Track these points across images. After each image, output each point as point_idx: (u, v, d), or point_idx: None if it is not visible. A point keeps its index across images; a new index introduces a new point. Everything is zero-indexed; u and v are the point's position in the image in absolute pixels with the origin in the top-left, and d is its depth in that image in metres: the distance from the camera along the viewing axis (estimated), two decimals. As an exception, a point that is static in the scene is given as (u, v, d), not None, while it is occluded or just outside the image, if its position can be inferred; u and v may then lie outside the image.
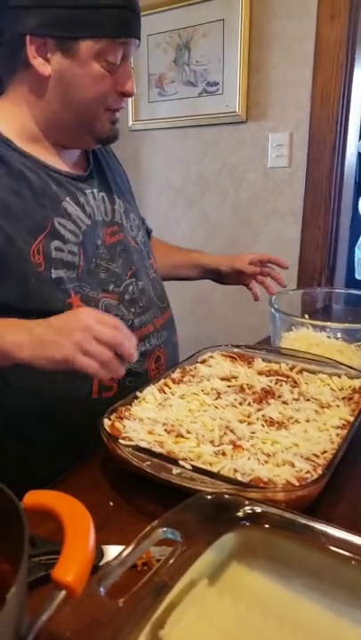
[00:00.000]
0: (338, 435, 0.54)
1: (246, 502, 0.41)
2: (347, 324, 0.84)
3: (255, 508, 0.40)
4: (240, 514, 0.40)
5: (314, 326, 0.84)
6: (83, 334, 0.52)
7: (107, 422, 0.55)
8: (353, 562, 0.36)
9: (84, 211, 0.71)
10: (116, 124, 0.72)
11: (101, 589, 0.32)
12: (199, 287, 1.33)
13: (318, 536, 0.38)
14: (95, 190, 0.75)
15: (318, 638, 0.33)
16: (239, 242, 1.63)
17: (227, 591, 0.36)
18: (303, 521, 0.39)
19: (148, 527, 0.37)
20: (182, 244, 1.04)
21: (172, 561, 0.36)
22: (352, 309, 1.00)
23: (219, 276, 0.95)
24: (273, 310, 0.83)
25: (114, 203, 0.77)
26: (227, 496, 0.42)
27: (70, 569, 0.26)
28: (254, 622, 0.34)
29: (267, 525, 0.40)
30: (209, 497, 0.41)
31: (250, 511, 0.40)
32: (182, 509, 0.40)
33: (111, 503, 0.50)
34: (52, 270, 0.65)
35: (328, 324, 0.83)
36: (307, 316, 0.89)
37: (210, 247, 1.57)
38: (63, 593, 0.26)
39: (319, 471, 0.47)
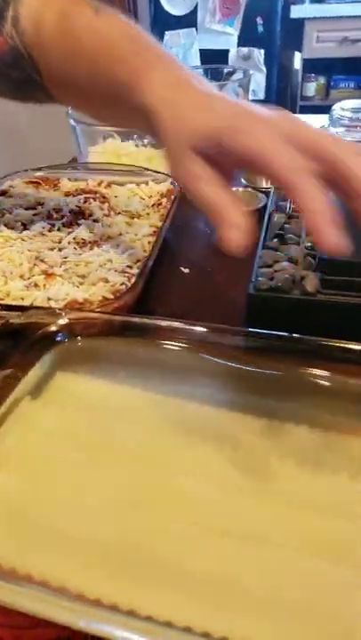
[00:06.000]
0: (149, 242, 0.54)
1: (62, 321, 0.40)
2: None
3: (72, 321, 0.40)
4: (56, 332, 0.39)
5: (120, 134, 0.78)
6: None
7: None
8: (182, 348, 0.38)
9: None
10: None
11: None
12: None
13: (145, 331, 0.40)
14: None
15: (161, 418, 0.35)
16: None
17: (51, 401, 0.36)
18: (124, 319, 0.40)
19: None
20: None
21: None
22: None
23: None
24: (72, 122, 0.74)
25: None
26: (40, 319, 0.40)
27: None
28: (86, 420, 0.35)
29: (87, 336, 0.40)
30: (19, 321, 0.39)
31: (67, 327, 0.39)
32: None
33: None
34: None
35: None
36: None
37: None
38: None
39: (133, 280, 0.47)
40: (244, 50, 2.26)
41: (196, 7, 2.27)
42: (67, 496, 0.30)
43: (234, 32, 2.25)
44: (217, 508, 0.29)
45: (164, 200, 0.61)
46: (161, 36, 2.26)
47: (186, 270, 0.57)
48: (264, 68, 2.28)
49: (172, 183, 0.64)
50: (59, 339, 0.40)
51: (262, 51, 2.26)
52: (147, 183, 0.65)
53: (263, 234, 0.49)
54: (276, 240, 0.48)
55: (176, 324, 0.39)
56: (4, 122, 1.52)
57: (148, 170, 0.66)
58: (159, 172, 0.66)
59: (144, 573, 0.26)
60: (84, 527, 0.29)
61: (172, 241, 0.60)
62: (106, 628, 0.23)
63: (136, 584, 0.26)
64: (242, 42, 2.26)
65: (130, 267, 0.50)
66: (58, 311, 0.41)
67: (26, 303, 0.45)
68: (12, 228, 0.57)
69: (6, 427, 0.35)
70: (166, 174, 0.65)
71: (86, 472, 0.32)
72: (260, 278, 0.43)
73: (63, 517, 0.29)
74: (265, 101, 2.24)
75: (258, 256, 0.46)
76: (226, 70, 0.89)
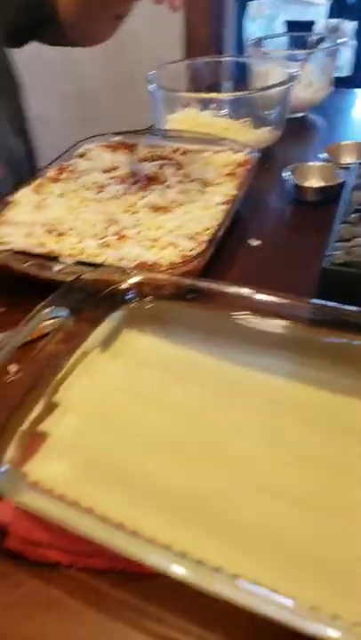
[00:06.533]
0: (222, 210, 0.54)
1: (132, 280, 0.41)
2: (237, 93, 0.78)
3: (142, 281, 0.41)
4: (127, 290, 0.41)
5: (199, 101, 0.77)
6: None
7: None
8: (249, 316, 0.39)
9: None
10: None
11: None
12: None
13: (212, 297, 0.40)
14: None
15: (220, 382, 0.36)
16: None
17: (119, 354, 0.38)
18: (193, 283, 0.40)
19: (34, 309, 0.37)
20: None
21: (60, 336, 0.36)
22: (240, 86, 0.92)
23: None
24: (153, 87, 0.74)
25: None
26: (112, 276, 0.41)
27: None
28: (149, 377, 0.36)
29: (156, 297, 0.41)
30: (92, 277, 0.41)
31: (136, 286, 0.41)
32: (67, 291, 0.39)
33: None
34: None
35: (215, 94, 0.76)
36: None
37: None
38: None
39: (203, 247, 0.48)
40: (333, 22, 2.15)
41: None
42: (125, 443, 0.32)
43: (323, 1, 2.14)
44: (262, 467, 0.30)
45: (240, 170, 0.61)
46: (243, 6, 2.19)
47: (256, 243, 0.56)
48: (355, 42, 2.16)
49: (249, 153, 0.63)
50: (128, 297, 0.41)
51: (354, 23, 2.13)
52: (223, 152, 0.64)
53: (343, 209, 0.48)
54: (355, 215, 0.47)
55: (245, 291, 0.39)
56: (81, 89, 1.54)
57: (225, 139, 0.66)
58: (236, 142, 0.65)
59: (197, 519, 0.27)
60: (141, 471, 0.30)
61: (245, 212, 0.60)
62: (161, 561, 0.25)
63: (189, 527, 0.27)
64: (331, 13, 2.15)
65: (200, 234, 0.50)
66: (129, 270, 0.42)
67: (98, 261, 0.47)
68: (88, 190, 0.59)
69: (76, 375, 0.36)
70: (244, 144, 0.65)
71: (148, 425, 0.33)
72: (336, 252, 0.42)
73: (123, 460, 0.31)
74: (349, 80, 2.13)
75: (335, 230, 0.45)
76: (313, 38, 0.86)
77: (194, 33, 1.36)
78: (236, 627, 0.27)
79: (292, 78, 0.73)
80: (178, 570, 0.24)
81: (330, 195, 0.58)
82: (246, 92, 0.76)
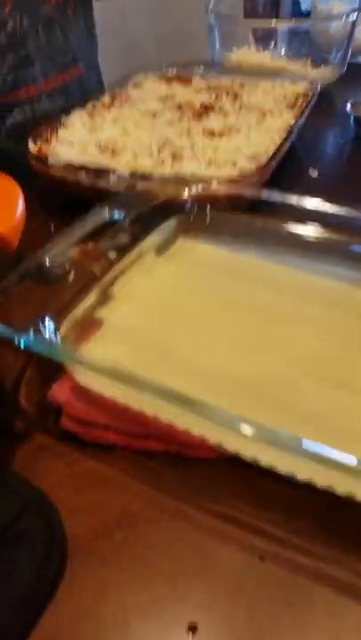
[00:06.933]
0: (281, 137, 0.52)
1: (190, 190, 0.40)
2: (296, 22, 0.75)
3: (199, 191, 0.40)
4: (184, 200, 0.40)
5: (257, 39, 0.75)
6: None
7: (32, 147, 0.50)
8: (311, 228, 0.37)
9: None
10: None
11: (47, 260, 0.32)
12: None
13: (273, 208, 0.39)
14: None
15: (278, 283, 0.35)
16: None
17: (173, 258, 0.37)
18: (253, 193, 0.39)
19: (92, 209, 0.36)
20: None
21: (116, 237, 0.36)
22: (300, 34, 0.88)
23: None
24: (212, 17, 0.72)
25: None
26: (170, 187, 0.41)
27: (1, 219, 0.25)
28: (205, 278, 0.36)
29: (213, 208, 0.40)
30: (150, 186, 0.40)
31: (193, 197, 0.40)
32: (124, 198, 0.39)
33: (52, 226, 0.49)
34: None
35: (275, 22, 0.74)
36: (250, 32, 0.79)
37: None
38: None
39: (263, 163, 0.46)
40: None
41: None
42: (183, 334, 0.31)
43: None
44: (321, 358, 0.29)
45: (300, 100, 0.58)
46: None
47: (315, 174, 0.54)
48: None
49: (310, 85, 0.60)
50: (185, 207, 0.40)
51: None
52: (282, 84, 0.62)
53: None
54: None
55: (309, 203, 0.38)
56: (130, 44, 1.52)
57: (284, 72, 0.63)
58: (296, 74, 0.63)
59: (256, 403, 0.27)
60: (199, 357, 0.29)
61: (304, 145, 0.58)
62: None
63: (253, 408, 0.26)
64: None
65: (259, 155, 0.48)
66: (187, 181, 0.41)
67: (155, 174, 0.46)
68: (143, 116, 0.58)
69: (131, 273, 0.36)
70: (304, 76, 0.62)
71: (205, 318, 0.32)
72: None
73: (181, 347, 0.30)
74: None
75: None
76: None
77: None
78: (292, 510, 0.26)
79: (354, 10, 0.69)
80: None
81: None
82: (307, 22, 0.73)
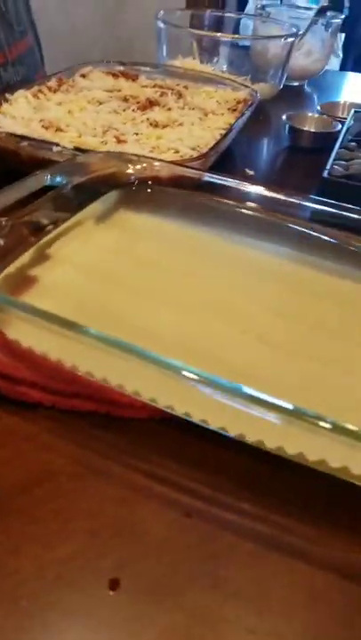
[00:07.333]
0: (221, 134, 0.54)
1: (132, 166, 0.40)
2: (239, 36, 0.78)
3: (141, 168, 0.40)
4: (128, 174, 0.40)
5: (200, 52, 0.77)
6: None
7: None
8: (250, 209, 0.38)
9: None
10: None
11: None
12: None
13: (214, 189, 0.40)
14: None
15: (216, 254, 0.35)
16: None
17: (114, 227, 0.37)
18: (196, 175, 0.40)
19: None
20: None
21: (56, 201, 0.35)
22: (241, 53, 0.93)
23: None
24: (160, 25, 0.73)
25: None
26: (113, 161, 0.40)
27: None
28: (144, 245, 0.35)
29: (153, 184, 0.40)
30: (95, 158, 0.40)
31: (136, 172, 0.40)
32: (66, 166, 0.38)
33: None
34: None
35: (219, 34, 0.77)
36: (195, 43, 0.82)
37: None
38: None
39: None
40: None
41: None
42: (120, 295, 0.31)
43: None
44: (253, 318, 0.30)
45: (241, 106, 0.61)
46: (244, 3, 2.22)
47: (251, 172, 0.57)
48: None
49: (250, 94, 0.63)
50: (128, 180, 0.40)
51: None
52: (224, 89, 0.64)
53: (341, 138, 0.49)
54: (353, 144, 0.48)
55: (249, 187, 0.39)
56: (78, 51, 1.52)
57: (227, 78, 0.66)
58: (239, 83, 0.65)
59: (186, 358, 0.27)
60: (132, 317, 0.29)
61: (241, 149, 0.60)
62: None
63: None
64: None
65: (200, 147, 0.50)
66: (131, 157, 0.42)
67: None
68: (89, 103, 0.58)
69: (69, 237, 0.35)
70: (245, 85, 0.65)
71: (142, 281, 0.32)
72: (335, 166, 0.43)
73: (114, 307, 0.30)
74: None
75: (334, 152, 0.45)
76: (315, 9, 0.87)
77: None
78: (221, 469, 0.26)
79: (292, 35, 0.74)
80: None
81: (325, 142, 0.59)
82: (249, 37, 0.77)
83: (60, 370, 0.28)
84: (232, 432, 0.25)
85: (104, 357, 0.25)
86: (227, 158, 0.54)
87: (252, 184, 0.40)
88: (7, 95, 0.54)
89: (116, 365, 0.25)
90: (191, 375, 0.22)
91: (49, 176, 0.37)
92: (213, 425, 0.25)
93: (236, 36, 0.80)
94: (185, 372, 0.22)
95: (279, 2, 2.18)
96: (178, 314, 0.30)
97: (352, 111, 0.60)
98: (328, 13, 0.84)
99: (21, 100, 0.55)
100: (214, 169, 0.49)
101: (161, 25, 0.73)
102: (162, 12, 0.75)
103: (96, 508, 0.24)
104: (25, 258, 0.32)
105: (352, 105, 0.70)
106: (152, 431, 0.28)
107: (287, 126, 0.62)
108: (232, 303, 0.31)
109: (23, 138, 0.45)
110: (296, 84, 0.89)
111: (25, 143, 0.44)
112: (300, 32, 0.77)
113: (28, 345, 0.28)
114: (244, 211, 0.38)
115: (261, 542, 0.24)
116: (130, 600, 0.22)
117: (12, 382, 0.28)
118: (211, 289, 0.32)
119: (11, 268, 0.31)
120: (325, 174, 0.42)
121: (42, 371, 0.28)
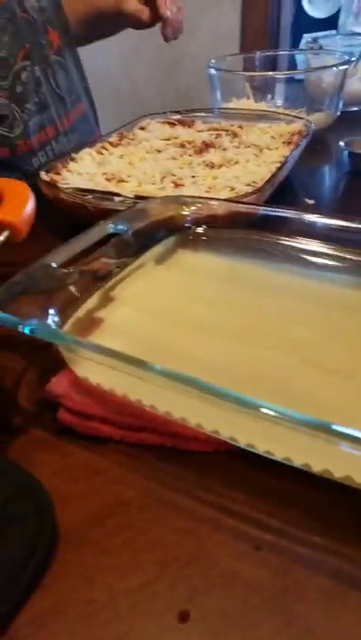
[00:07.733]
0: (277, 168, 0.55)
1: (189, 209, 0.42)
2: (291, 71, 0.80)
3: (197, 209, 0.42)
4: (184, 216, 0.42)
5: (254, 92, 0.80)
6: None
7: (44, 175, 0.53)
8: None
9: None
10: None
11: (53, 264, 0.34)
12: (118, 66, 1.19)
13: (271, 224, 0.41)
14: None
15: (275, 288, 0.36)
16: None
17: (172, 267, 0.38)
18: (250, 210, 0.41)
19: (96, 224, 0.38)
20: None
21: (118, 248, 0.37)
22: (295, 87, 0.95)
23: (136, 23, 0.72)
24: (212, 72, 0.77)
25: None
26: (171, 206, 0.43)
27: (11, 211, 0.27)
28: (203, 283, 0.37)
29: (210, 226, 0.42)
30: (154, 204, 0.42)
31: (192, 214, 0.42)
32: (127, 214, 0.41)
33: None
34: None
35: (271, 73, 0.79)
36: (247, 84, 0.85)
37: (144, 44, 1.40)
38: (7, 233, 0.27)
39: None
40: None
41: (339, 10, 2.24)
42: (183, 333, 0.32)
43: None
44: (316, 349, 0.29)
45: (296, 137, 0.62)
46: (299, 39, 2.26)
47: (311, 201, 0.57)
48: None
49: (305, 125, 0.64)
50: (185, 224, 0.42)
51: None
52: (278, 124, 0.66)
53: None
54: None
55: (307, 217, 0.39)
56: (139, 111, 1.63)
57: (281, 113, 0.67)
58: (292, 116, 0.67)
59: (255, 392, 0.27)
60: (195, 353, 0.30)
61: (300, 179, 0.61)
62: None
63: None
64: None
65: (256, 182, 0.51)
66: (188, 200, 0.43)
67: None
68: (148, 152, 0.61)
69: (131, 279, 0.37)
70: (299, 117, 0.66)
71: (203, 320, 0.33)
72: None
73: (178, 344, 0.31)
74: None
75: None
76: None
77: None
78: (286, 501, 0.26)
79: (344, 63, 0.75)
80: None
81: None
82: (299, 71, 0.78)
83: (127, 405, 0.29)
84: (297, 462, 0.25)
85: (167, 392, 0.26)
86: (287, 191, 0.55)
87: (310, 213, 0.40)
88: (73, 154, 0.59)
89: (178, 399, 0.26)
90: (270, 412, 0.22)
91: (111, 224, 0.39)
92: (278, 455, 0.25)
93: (286, 72, 0.82)
94: (264, 409, 0.22)
95: (335, 32, 2.21)
96: (237, 346, 0.30)
97: None
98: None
99: (86, 157, 0.59)
100: (274, 203, 0.50)
101: (213, 72, 0.77)
102: (212, 60, 0.79)
103: (165, 540, 0.25)
104: (92, 301, 0.34)
105: None
106: (218, 463, 0.28)
107: (346, 152, 0.62)
108: (297, 335, 0.31)
109: (88, 191, 0.49)
110: (355, 109, 0.89)
111: (90, 196, 0.48)
112: (354, 58, 0.77)
113: (96, 382, 0.30)
114: (299, 245, 0.38)
115: (334, 576, 0.23)
116: (199, 633, 0.22)
117: (84, 418, 0.30)
118: (272, 322, 0.32)
119: (79, 312, 0.33)
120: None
121: (110, 406, 0.29)
